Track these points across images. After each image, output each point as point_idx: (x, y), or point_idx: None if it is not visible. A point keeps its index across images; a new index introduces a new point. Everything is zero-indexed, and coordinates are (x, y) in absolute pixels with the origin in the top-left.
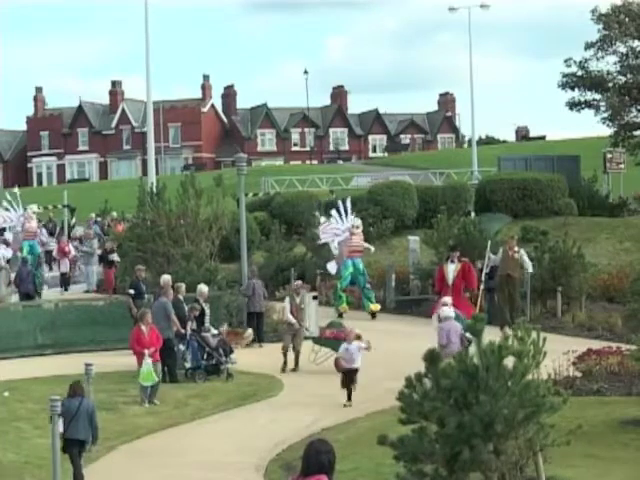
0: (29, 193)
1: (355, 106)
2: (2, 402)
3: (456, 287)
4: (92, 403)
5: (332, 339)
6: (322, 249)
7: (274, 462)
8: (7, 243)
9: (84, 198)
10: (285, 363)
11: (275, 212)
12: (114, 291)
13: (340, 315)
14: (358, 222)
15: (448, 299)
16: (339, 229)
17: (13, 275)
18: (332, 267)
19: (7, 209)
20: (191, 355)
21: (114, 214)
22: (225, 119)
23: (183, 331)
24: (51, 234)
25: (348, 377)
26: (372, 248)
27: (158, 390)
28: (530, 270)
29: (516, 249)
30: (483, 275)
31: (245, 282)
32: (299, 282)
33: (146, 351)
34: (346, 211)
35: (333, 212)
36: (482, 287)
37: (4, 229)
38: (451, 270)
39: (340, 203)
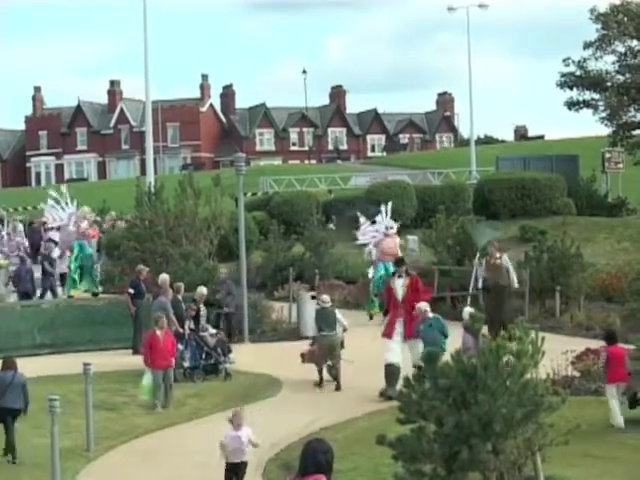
0: (28, 193)
1: (354, 106)
2: None
3: (407, 303)
4: (23, 377)
5: None
6: (320, 248)
7: (272, 462)
8: (55, 242)
9: (82, 198)
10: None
11: (274, 212)
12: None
13: (371, 318)
14: (392, 223)
15: (424, 304)
16: (377, 231)
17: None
18: (372, 271)
19: (53, 206)
20: (190, 355)
21: (113, 214)
22: (224, 119)
23: (182, 331)
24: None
25: (234, 473)
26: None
27: (172, 395)
28: (515, 285)
29: (497, 255)
30: (472, 281)
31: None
32: (327, 297)
33: (149, 370)
34: (386, 213)
35: (378, 217)
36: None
37: (56, 228)
38: (399, 286)
39: (382, 206)
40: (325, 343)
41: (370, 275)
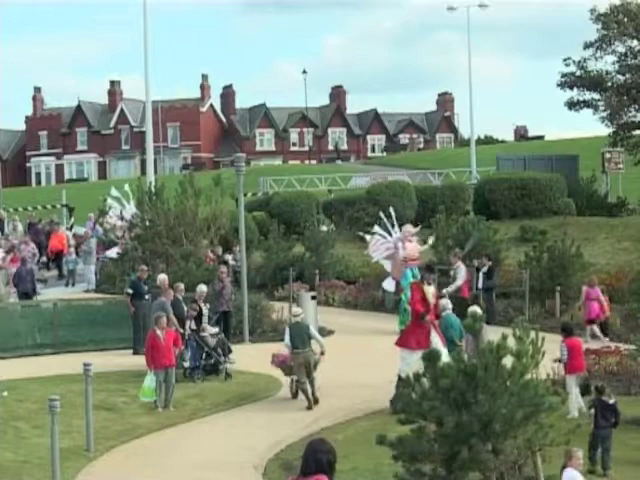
0: (28, 193)
1: (354, 106)
2: (1, 402)
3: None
4: None
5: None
6: (320, 248)
7: (273, 462)
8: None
9: (83, 198)
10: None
11: (274, 212)
12: None
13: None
14: (409, 228)
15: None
16: (390, 242)
17: None
18: (389, 284)
19: (111, 207)
20: (190, 355)
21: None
22: (224, 119)
23: (182, 331)
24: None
25: None
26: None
27: (173, 395)
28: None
29: (456, 265)
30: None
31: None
32: (298, 309)
33: (151, 371)
34: (392, 222)
35: (376, 228)
36: (480, 287)
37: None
38: (430, 293)
39: (382, 215)
40: (300, 360)
41: (391, 289)
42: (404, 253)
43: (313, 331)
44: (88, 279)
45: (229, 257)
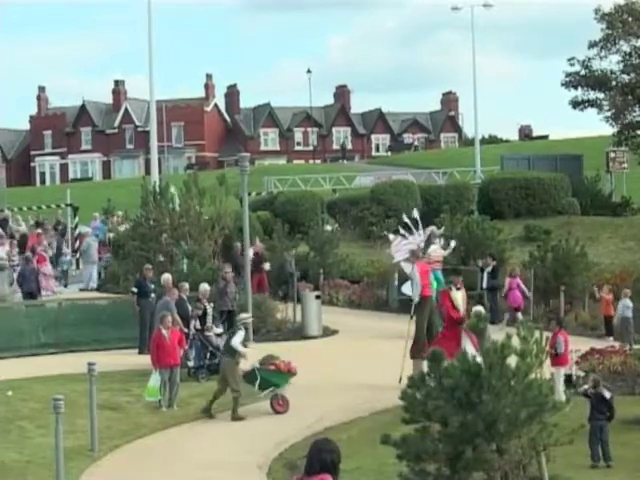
0: (32, 192)
1: (358, 105)
2: (5, 401)
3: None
4: None
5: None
6: (325, 248)
7: (277, 461)
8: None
9: (87, 197)
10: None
11: (278, 211)
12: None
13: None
14: (434, 229)
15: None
16: (414, 243)
17: None
18: (408, 288)
19: None
20: (194, 354)
21: (119, 213)
22: (228, 118)
23: (186, 330)
24: (62, 235)
25: None
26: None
27: (178, 395)
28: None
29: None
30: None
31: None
32: (243, 315)
33: (156, 371)
34: (416, 223)
35: (401, 230)
36: (484, 287)
37: None
38: (460, 298)
39: (405, 218)
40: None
41: (410, 293)
42: (429, 256)
43: (235, 340)
44: (86, 278)
45: (265, 264)
